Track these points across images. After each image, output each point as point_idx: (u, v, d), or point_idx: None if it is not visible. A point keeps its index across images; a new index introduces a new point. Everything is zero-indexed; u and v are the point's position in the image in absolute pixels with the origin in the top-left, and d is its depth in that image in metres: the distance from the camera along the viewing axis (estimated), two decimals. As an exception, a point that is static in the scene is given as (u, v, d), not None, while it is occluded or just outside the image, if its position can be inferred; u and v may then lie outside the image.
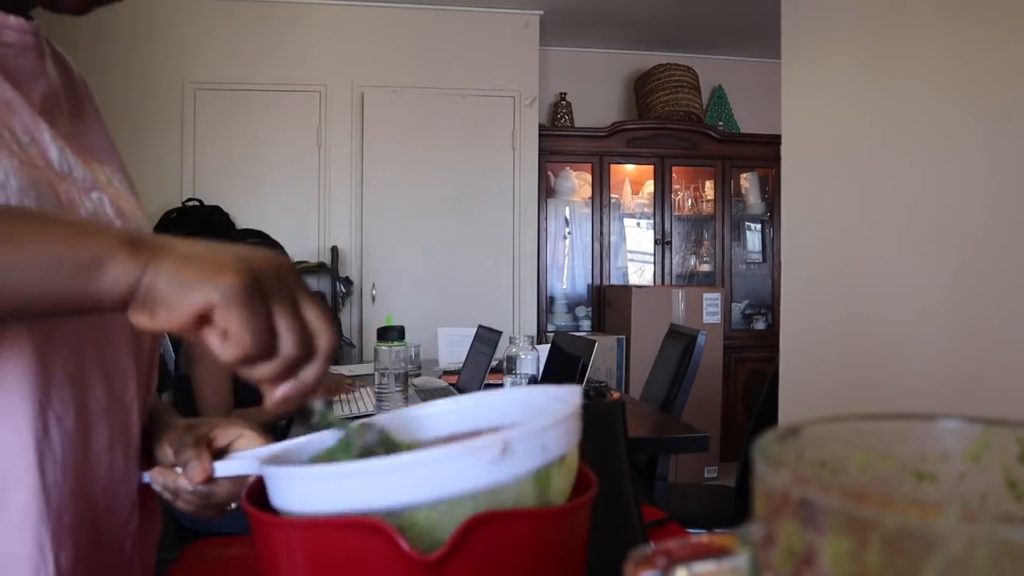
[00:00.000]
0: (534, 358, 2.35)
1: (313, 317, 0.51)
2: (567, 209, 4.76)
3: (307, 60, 4.18)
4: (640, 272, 4.88)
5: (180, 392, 2.35)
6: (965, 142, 2.08)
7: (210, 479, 0.69)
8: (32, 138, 0.64)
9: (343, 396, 2.48)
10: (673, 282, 4.69)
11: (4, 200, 0.58)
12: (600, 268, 4.67)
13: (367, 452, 0.56)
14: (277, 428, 2.37)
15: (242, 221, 4.02)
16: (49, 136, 0.65)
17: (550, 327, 4.59)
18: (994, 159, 2.00)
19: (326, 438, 0.58)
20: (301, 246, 4.09)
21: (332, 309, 4.10)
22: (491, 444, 0.48)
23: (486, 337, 2.53)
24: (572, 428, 0.54)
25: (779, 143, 2.91)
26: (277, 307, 0.50)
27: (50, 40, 0.74)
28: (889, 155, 2.37)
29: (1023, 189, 1.92)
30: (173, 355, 2.78)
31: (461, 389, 2.58)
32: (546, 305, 4.63)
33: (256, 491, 0.55)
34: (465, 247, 4.29)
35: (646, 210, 4.78)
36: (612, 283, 4.67)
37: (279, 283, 0.50)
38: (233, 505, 0.74)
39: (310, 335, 0.51)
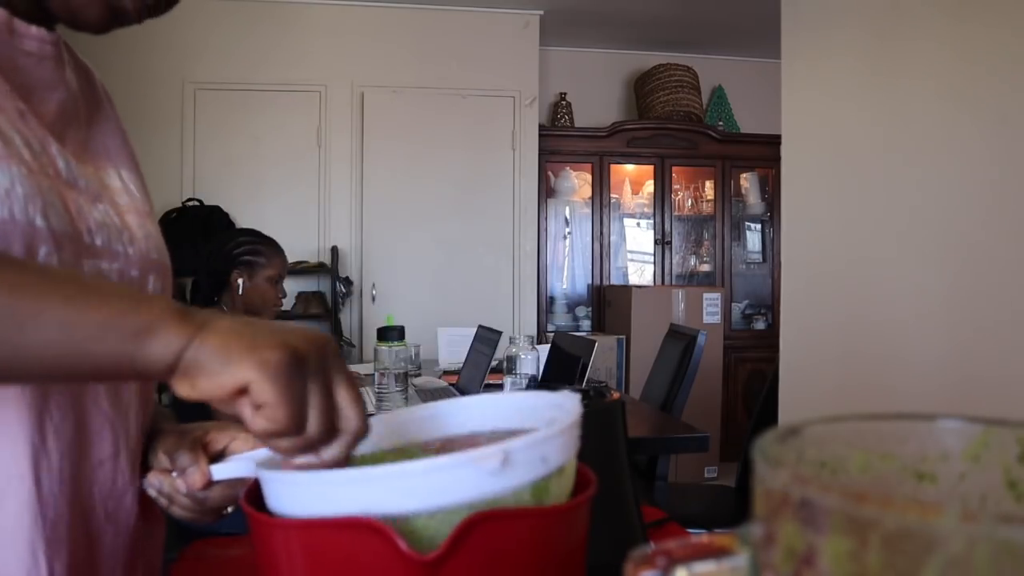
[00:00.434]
0: (534, 358, 2.35)
1: (346, 399, 0.52)
2: (567, 209, 4.76)
3: (307, 60, 4.18)
4: (640, 272, 4.88)
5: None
6: (965, 142, 2.08)
7: (209, 484, 0.69)
8: (43, 147, 0.65)
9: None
10: (673, 282, 4.69)
11: (8, 207, 0.58)
12: (600, 268, 4.67)
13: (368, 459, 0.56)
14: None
15: (242, 221, 4.03)
16: (56, 149, 0.66)
17: (550, 327, 4.59)
18: (994, 159, 2.00)
19: None
20: (301, 246, 4.09)
21: (333, 311, 4.11)
22: (491, 455, 0.47)
23: (486, 337, 2.53)
24: (572, 439, 0.54)
25: (779, 143, 2.91)
26: (312, 386, 0.51)
27: (72, 50, 0.76)
28: (889, 155, 2.37)
29: (1023, 189, 1.92)
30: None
31: (461, 389, 2.58)
32: (546, 305, 4.63)
33: (254, 492, 0.55)
34: (465, 247, 4.29)
35: (646, 210, 4.78)
36: (612, 283, 4.67)
37: (319, 362, 0.51)
38: (229, 509, 0.74)
39: (338, 417, 0.52)
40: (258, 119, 4.14)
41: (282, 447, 0.51)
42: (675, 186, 4.75)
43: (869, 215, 2.45)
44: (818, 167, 2.72)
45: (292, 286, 3.86)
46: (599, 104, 4.90)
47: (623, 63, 4.93)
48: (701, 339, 2.79)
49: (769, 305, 4.78)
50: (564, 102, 4.71)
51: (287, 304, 3.86)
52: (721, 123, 4.85)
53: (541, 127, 4.45)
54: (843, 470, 0.33)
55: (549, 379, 2.41)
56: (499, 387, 2.44)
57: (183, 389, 0.51)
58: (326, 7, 4.20)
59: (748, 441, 2.01)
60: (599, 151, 4.61)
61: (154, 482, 0.71)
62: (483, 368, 2.42)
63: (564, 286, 4.79)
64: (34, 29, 0.67)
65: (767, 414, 2.71)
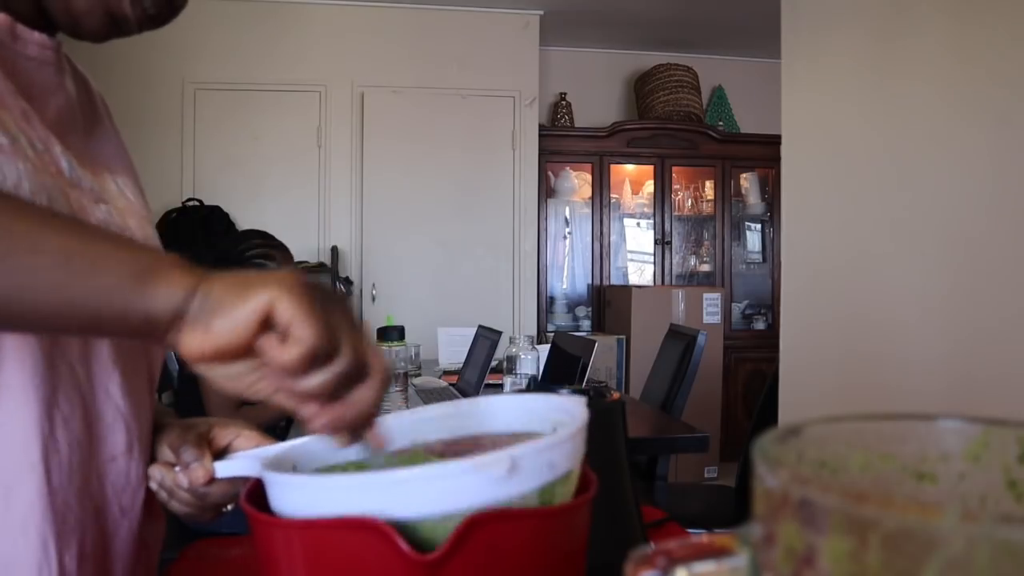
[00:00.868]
0: (534, 358, 2.35)
1: (364, 337, 0.50)
2: (567, 209, 4.75)
3: (307, 60, 4.18)
4: (640, 272, 4.88)
5: (185, 392, 2.34)
6: (965, 142, 2.08)
7: (211, 480, 0.69)
8: (46, 147, 0.65)
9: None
10: (673, 282, 4.69)
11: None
12: (600, 268, 4.67)
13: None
14: (277, 428, 2.36)
15: (242, 221, 4.03)
16: (59, 149, 0.67)
17: (550, 327, 4.59)
18: (994, 159, 2.00)
19: (326, 442, 0.58)
20: (301, 246, 4.08)
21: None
22: (498, 461, 0.47)
23: (486, 337, 2.53)
24: (579, 444, 0.53)
25: (779, 143, 2.91)
26: (334, 311, 0.48)
27: (70, 58, 0.76)
28: (889, 155, 2.37)
29: (1023, 189, 1.92)
30: (176, 355, 2.77)
31: (461, 389, 2.58)
32: (546, 305, 4.63)
33: (255, 492, 0.55)
34: (465, 247, 4.29)
35: (646, 210, 4.78)
36: (612, 283, 4.67)
37: (332, 296, 0.50)
38: (229, 507, 0.74)
39: (366, 348, 0.49)
40: (258, 119, 4.14)
41: (314, 386, 0.48)
42: (675, 186, 4.75)
43: (869, 215, 2.45)
44: (818, 167, 2.72)
45: (292, 286, 3.85)
46: (599, 104, 4.89)
47: (623, 63, 4.93)
48: (701, 339, 2.79)
49: (769, 305, 4.78)
50: (564, 102, 4.71)
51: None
52: (721, 123, 4.85)
53: (541, 127, 4.45)
54: (843, 470, 0.33)
55: (549, 379, 2.41)
56: (499, 387, 2.44)
57: (193, 340, 0.48)
58: (326, 7, 4.20)
59: (748, 441, 2.01)
60: (599, 151, 4.61)
61: (156, 475, 0.72)
62: (483, 368, 2.42)
63: (564, 286, 4.79)
64: (36, 34, 0.68)
65: (767, 414, 2.71)
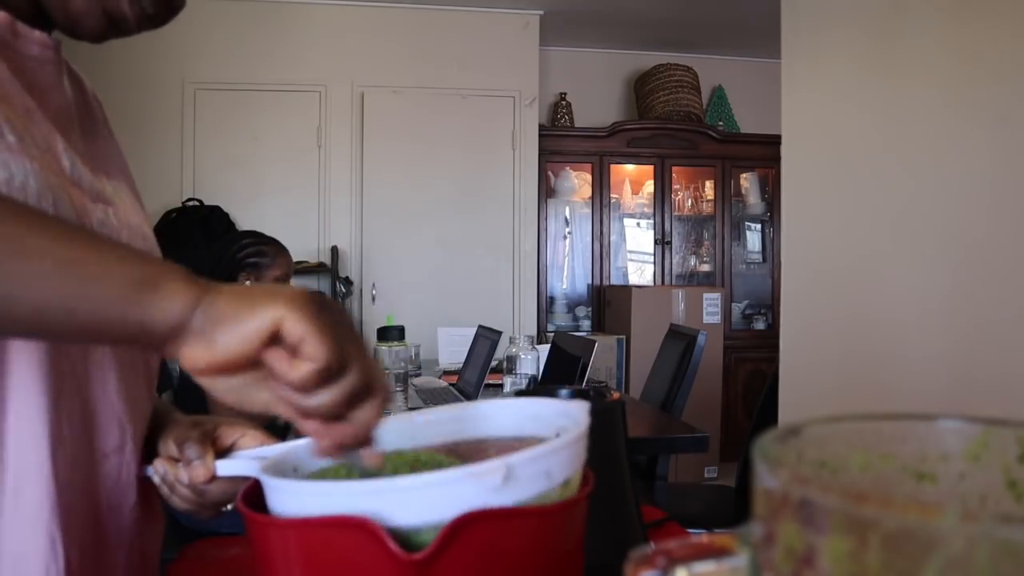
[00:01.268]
0: (534, 358, 2.35)
1: (370, 354, 0.50)
2: (567, 209, 4.75)
3: (307, 60, 4.18)
4: (640, 272, 4.88)
5: (186, 391, 2.34)
6: (964, 142, 2.08)
7: (213, 478, 0.69)
8: (48, 146, 0.65)
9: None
10: (673, 282, 4.69)
11: (23, 201, 0.59)
12: (600, 268, 4.67)
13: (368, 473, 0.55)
14: (278, 428, 2.36)
15: (242, 221, 4.03)
16: (62, 146, 0.67)
17: (550, 327, 4.59)
18: (994, 159, 2.00)
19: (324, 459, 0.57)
20: (301, 246, 4.08)
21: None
22: (493, 469, 0.47)
23: (486, 337, 2.53)
24: (578, 451, 0.53)
25: (779, 143, 2.91)
26: (340, 327, 0.48)
27: (67, 60, 0.76)
28: (889, 155, 2.37)
29: (1023, 189, 1.92)
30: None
31: (461, 389, 2.58)
32: (546, 305, 4.63)
33: (251, 492, 0.55)
34: (465, 247, 4.29)
35: (646, 210, 4.78)
36: (612, 283, 4.67)
37: (337, 311, 0.49)
38: (229, 506, 0.74)
39: (372, 368, 0.49)
40: (258, 119, 4.14)
41: (323, 403, 0.47)
42: (675, 186, 4.75)
43: (869, 215, 2.45)
44: (818, 167, 2.72)
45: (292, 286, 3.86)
46: (599, 104, 4.89)
47: (623, 63, 4.93)
48: (701, 339, 2.79)
49: (769, 305, 4.78)
50: (564, 102, 4.71)
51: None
52: (721, 123, 4.84)
53: (541, 127, 4.45)
54: (843, 470, 0.33)
55: (549, 379, 2.41)
56: (499, 387, 2.44)
57: (196, 353, 0.47)
58: (326, 7, 4.20)
59: (748, 441, 2.01)
60: (599, 151, 4.61)
61: (159, 469, 0.72)
62: (483, 368, 2.42)
63: (564, 286, 4.79)
64: (36, 33, 0.68)
65: (767, 414, 2.71)
